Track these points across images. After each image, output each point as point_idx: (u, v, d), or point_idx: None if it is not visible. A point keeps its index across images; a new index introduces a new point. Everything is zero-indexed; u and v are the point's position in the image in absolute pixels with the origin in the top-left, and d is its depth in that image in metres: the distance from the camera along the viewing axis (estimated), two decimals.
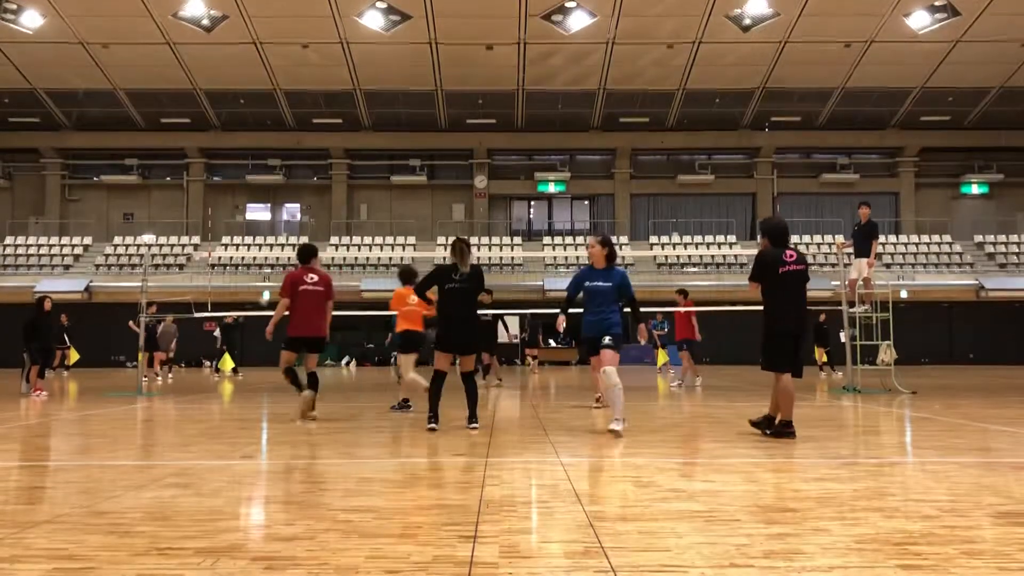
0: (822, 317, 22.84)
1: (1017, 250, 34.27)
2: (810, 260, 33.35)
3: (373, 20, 28.62)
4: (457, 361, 8.49)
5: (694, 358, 16.01)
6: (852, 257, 14.11)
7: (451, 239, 8.41)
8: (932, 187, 36.73)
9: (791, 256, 7.48)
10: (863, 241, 13.59)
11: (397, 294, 10.35)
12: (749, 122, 35.28)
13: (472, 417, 8.31)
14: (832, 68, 31.63)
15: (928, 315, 30.57)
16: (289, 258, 33.21)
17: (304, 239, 35.13)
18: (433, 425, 8.10)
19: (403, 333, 10.20)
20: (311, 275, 9.43)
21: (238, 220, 36.93)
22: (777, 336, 7.50)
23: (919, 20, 28.63)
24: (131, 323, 15.75)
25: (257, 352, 30.21)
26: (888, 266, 32.70)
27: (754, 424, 7.88)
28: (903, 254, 33.95)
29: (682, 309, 16.07)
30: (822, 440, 7.36)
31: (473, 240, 34.76)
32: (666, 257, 33.40)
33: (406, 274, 10.45)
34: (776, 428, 7.53)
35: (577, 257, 33.33)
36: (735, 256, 32.49)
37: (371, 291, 30.96)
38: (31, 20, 28.36)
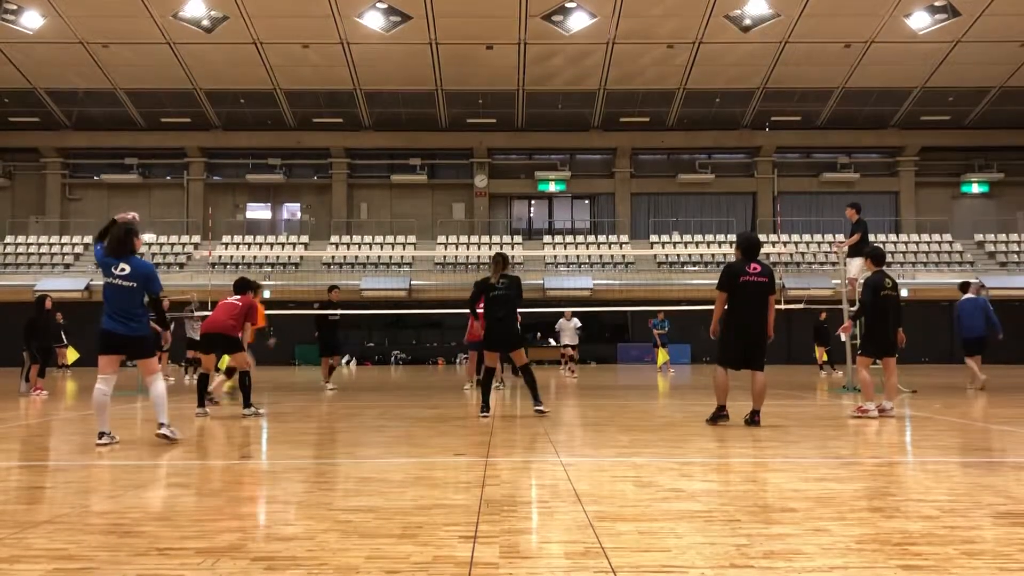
0: (823, 316, 22.81)
1: (1017, 249, 34.27)
2: (810, 259, 33.43)
3: (373, 20, 28.60)
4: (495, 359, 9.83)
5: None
6: (846, 257, 14.13)
7: (493, 253, 9.87)
8: (932, 186, 36.72)
9: (755, 269, 8.59)
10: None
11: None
12: (749, 122, 35.27)
13: (536, 400, 9.44)
14: (832, 68, 31.62)
15: (928, 314, 30.56)
16: (289, 257, 33.28)
17: (305, 238, 35.19)
18: (485, 414, 9.24)
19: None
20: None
21: (238, 219, 36.93)
22: (732, 337, 8.57)
23: (919, 20, 28.61)
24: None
25: (256, 351, 30.23)
26: (888, 265, 32.64)
27: (748, 422, 8.40)
28: (903, 253, 33.95)
29: None
30: (822, 440, 7.37)
31: (473, 239, 34.79)
32: (667, 256, 33.41)
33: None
34: (713, 414, 8.56)
35: (577, 256, 33.34)
36: (735, 255, 32.45)
37: (371, 290, 30.95)
38: (31, 20, 28.34)
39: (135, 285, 7.10)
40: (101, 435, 7.03)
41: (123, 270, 7.09)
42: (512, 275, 9.66)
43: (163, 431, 7.13)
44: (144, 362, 7.30)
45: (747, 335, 8.53)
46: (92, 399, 7.12)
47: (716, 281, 8.99)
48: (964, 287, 15.62)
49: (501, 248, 33.90)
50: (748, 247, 8.77)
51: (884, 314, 9.62)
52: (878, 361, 9.98)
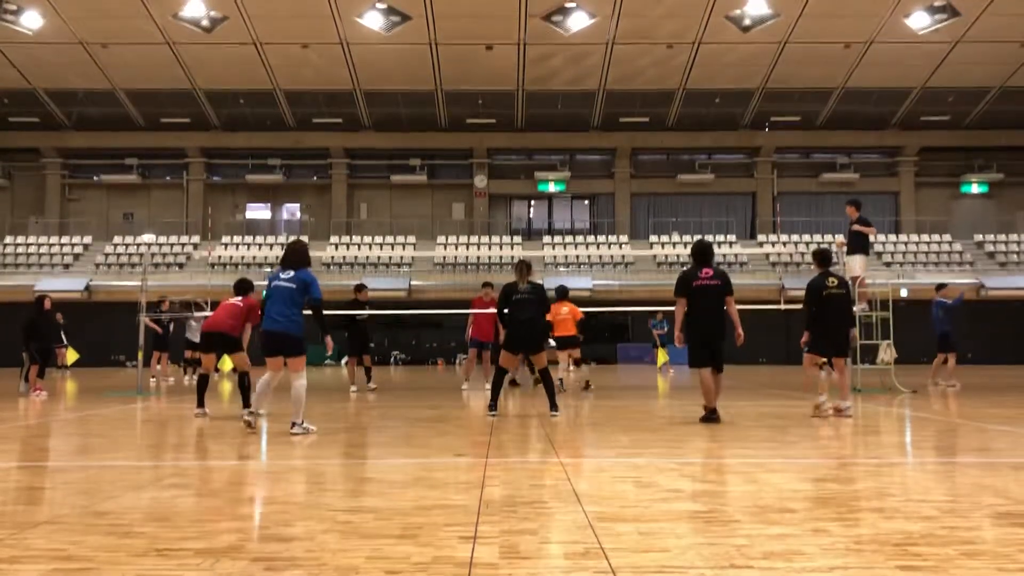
0: None
1: (1017, 249, 34.25)
2: (810, 260, 33.38)
3: (373, 21, 28.59)
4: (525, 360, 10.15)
5: (480, 359, 14.96)
6: (845, 255, 14.09)
7: (517, 261, 10.07)
8: (932, 187, 36.72)
9: (707, 273, 8.96)
10: (854, 239, 13.60)
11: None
12: (749, 122, 35.26)
13: (552, 406, 9.49)
14: (832, 68, 31.62)
15: (928, 314, 30.49)
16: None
17: (304, 238, 35.11)
18: (494, 412, 9.59)
19: None
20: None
21: (238, 219, 36.93)
22: (694, 339, 8.94)
23: (919, 21, 28.60)
24: (147, 320, 15.59)
25: (255, 351, 30.23)
26: (888, 265, 32.70)
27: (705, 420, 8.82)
28: (903, 253, 33.95)
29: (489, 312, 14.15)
30: (822, 440, 7.37)
31: (473, 240, 34.77)
32: (666, 256, 33.41)
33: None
34: (704, 416, 8.79)
35: (577, 257, 33.33)
36: (735, 255, 32.54)
37: (371, 290, 30.84)
38: (31, 21, 28.32)
39: (295, 286, 8.01)
40: (251, 413, 8.20)
41: (288, 274, 8.09)
42: (536, 282, 9.92)
43: (295, 430, 7.75)
44: (292, 360, 8.03)
45: (708, 337, 8.90)
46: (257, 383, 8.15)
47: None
48: (939, 289, 16.14)
49: (501, 248, 33.95)
50: (698, 253, 9.14)
51: (828, 313, 9.61)
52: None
